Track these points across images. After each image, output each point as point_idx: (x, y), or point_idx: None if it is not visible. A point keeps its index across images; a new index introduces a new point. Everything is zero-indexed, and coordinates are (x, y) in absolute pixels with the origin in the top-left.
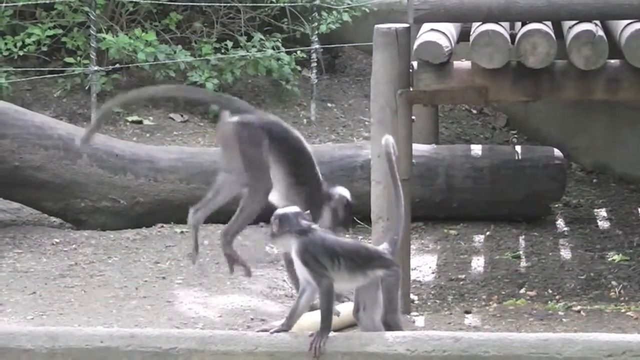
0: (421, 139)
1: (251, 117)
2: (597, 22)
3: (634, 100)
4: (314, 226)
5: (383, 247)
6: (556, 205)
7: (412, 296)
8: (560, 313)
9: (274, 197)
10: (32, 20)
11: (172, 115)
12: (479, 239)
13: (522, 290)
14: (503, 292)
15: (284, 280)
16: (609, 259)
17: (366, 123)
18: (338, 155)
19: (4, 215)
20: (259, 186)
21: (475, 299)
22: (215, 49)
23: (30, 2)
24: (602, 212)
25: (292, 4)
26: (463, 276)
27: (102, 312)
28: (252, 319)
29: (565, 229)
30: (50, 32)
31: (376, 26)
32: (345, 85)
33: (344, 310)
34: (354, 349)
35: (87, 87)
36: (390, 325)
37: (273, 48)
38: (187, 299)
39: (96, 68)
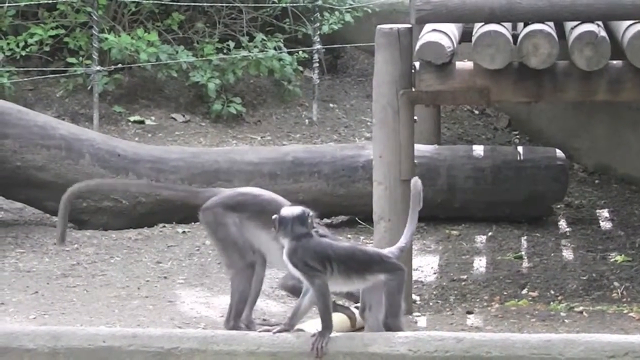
0: (423, 139)
1: (213, 199)
2: (600, 22)
3: (636, 101)
4: (312, 231)
5: (388, 251)
6: (558, 206)
7: (414, 297)
8: (562, 314)
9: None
10: (35, 21)
11: (174, 115)
12: (480, 239)
13: (524, 291)
14: (505, 293)
15: None
16: (611, 260)
17: (368, 123)
18: (340, 155)
19: (6, 215)
20: (238, 265)
21: (478, 300)
22: (217, 49)
23: (32, 2)
24: (604, 213)
25: (294, 5)
26: (465, 277)
27: (104, 311)
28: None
29: (567, 229)
30: (53, 32)
31: (378, 26)
32: (347, 85)
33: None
34: (356, 349)
35: (89, 87)
36: (390, 328)
37: (275, 48)
38: (189, 299)
39: (98, 68)
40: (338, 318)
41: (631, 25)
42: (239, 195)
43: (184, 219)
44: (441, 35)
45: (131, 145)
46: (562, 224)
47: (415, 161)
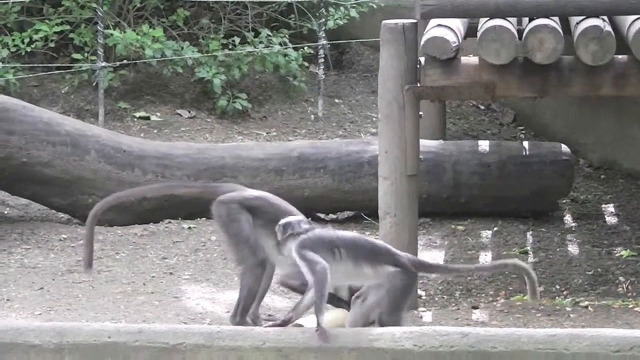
0: (428, 134)
1: (230, 194)
2: (605, 17)
3: None
4: (314, 228)
5: (398, 251)
6: (564, 201)
7: (419, 292)
8: (567, 309)
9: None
10: (40, 17)
11: (179, 111)
12: (486, 234)
13: None
14: (510, 288)
15: None
16: (617, 255)
17: (373, 119)
18: (345, 151)
19: (12, 211)
20: (248, 262)
21: (483, 295)
22: (222, 45)
23: None
24: (610, 208)
25: (300, 0)
26: None
27: (109, 307)
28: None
29: (573, 224)
30: (58, 29)
31: (383, 22)
32: (353, 81)
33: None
34: (361, 344)
35: (94, 83)
36: (382, 324)
37: (280, 44)
38: (195, 295)
39: (103, 64)
40: (342, 314)
41: (636, 19)
42: (256, 199)
43: (189, 215)
44: (446, 30)
45: (137, 141)
46: (568, 219)
47: (421, 156)
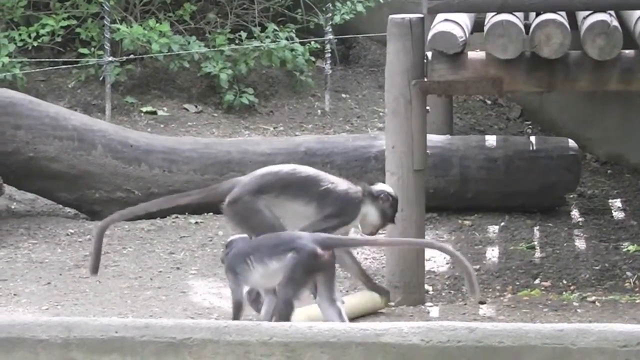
0: (435, 129)
1: (237, 190)
2: (612, 12)
3: None
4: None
5: (309, 234)
6: (571, 196)
7: (426, 287)
8: (574, 304)
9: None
10: (46, 11)
11: (186, 105)
12: (493, 229)
13: (537, 281)
14: (517, 283)
15: None
16: (624, 250)
17: (380, 114)
18: (352, 146)
19: (19, 206)
20: None
21: (490, 290)
22: (229, 39)
23: None
24: (617, 203)
25: None
26: (477, 267)
27: (116, 302)
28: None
29: (580, 219)
30: (65, 23)
31: (390, 16)
32: (359, 75)
33: (355, 300)
34: (368, 339)
35: (101, 78)
36: (276, 294)
37: (287, 39)
38: (202, 290)
39: (110, 59)
40: (369, 297)
41: None
42: (259, 178)
43: (196, 210)
44: (453, 25)
45: (143, 136)
46: (575, 214)
47: (428, 151)
